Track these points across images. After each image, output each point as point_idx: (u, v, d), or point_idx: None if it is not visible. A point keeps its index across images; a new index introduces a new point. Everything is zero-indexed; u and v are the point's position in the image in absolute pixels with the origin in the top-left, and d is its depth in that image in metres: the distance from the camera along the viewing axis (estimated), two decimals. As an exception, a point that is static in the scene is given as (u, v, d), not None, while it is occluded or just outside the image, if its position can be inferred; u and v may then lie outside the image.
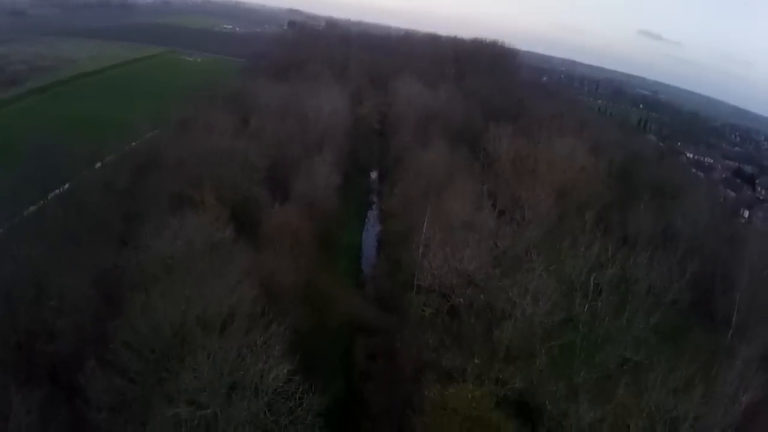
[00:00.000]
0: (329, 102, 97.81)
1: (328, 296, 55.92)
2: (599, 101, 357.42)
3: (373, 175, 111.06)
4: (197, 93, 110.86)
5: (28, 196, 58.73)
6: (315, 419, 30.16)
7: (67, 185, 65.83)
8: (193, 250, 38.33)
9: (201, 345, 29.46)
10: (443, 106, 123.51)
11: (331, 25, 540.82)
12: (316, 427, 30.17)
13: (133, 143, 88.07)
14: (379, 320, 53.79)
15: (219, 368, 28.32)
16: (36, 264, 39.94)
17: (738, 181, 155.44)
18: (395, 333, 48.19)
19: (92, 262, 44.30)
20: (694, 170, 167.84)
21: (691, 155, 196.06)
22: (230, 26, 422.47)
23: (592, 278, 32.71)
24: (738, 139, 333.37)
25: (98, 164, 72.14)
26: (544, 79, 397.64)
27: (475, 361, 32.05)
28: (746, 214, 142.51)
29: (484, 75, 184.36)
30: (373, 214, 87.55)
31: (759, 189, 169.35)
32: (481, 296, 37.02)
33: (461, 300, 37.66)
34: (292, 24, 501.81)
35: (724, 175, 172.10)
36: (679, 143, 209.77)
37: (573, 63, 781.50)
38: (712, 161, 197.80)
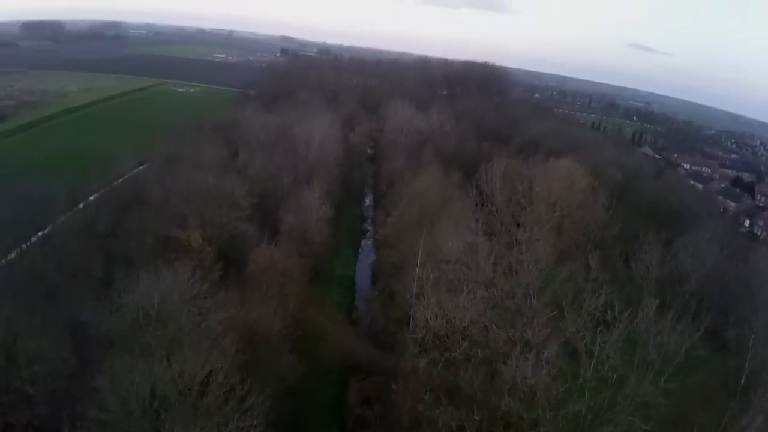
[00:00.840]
0: (320, 130, 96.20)
1: (320, 336, 53.75)
2: (593, 115, 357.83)
3: (368, 200, 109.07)
4: (186, 126, 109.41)
5: (4, 244, 56.38)
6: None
7: (48, 228, 63.55)
8: (170, 305, 36.02)
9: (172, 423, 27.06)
10: (435, 129, 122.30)
11: (324, 51, 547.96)
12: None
13: (119, 180, 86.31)
14: (373, 360, 51.34)
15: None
16: (8, 324, 37.59)
17: (737, 190, 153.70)
18: (391, 375, 45.80)
19: (69, 317, 42.16)
20: (692, 182, 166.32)
21: (688, 166, 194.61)
22: (222, 55, 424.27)
23: (598, 341, 30.28)
24: (734, 145, 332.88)
25: (81, 205, 70.01)
26: (537, 96, 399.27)
27: (475, 417, 29.65)
28: (747, 223, 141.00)
29: (475, 96, 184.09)
30: (367, 243, 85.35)
31: (759, 197, 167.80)
32: (479, 351, 34.69)
33: (457, 354, 35.29)
34: (284, 51, 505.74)
35: (723, 185, 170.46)
36: (675, 155, 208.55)
37: (564, 78, 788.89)
38: (709, 170, 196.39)
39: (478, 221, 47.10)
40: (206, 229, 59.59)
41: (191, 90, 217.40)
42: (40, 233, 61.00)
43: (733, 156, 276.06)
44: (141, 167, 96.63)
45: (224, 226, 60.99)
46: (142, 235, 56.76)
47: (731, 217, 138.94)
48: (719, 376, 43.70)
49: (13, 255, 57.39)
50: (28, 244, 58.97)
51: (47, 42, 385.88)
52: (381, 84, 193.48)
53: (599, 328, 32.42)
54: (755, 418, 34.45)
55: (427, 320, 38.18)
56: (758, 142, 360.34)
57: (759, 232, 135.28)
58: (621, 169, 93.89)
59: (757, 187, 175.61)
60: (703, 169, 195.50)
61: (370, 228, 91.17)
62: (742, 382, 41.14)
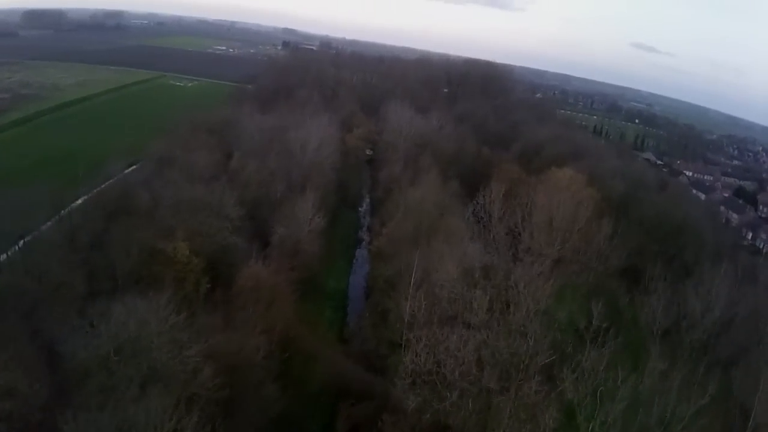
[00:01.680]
0: (317, 133, 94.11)
1: (309, 357, 51.80)
2: (595, 117, 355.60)
3: (364, 205, 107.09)
4: (180, 124, 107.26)
5: (-18, 255, 54.37)
6: None
7: (32, 235, 61.46)
8: (145, 337, 34.04)
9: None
10: (435, 133, 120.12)
11: (325, 44, 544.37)
12: None
13: (108, 182, 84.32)
14: (364, 384, 49.46)
15: None
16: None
17: (740, 201, 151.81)
18: (381, 401, 44.01)
19: (46, 344, 40.37)
20: (694, 191, 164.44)
21: (690, 173, 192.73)
22: (223, 47, 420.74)
23: (598, 409, 28.29)
24: (735, 151, 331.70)
25: (67, 210, 67.90)
26: (538, 95, 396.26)
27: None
28: (750, 236, 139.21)
29: (476, 97, 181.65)
30: (361, 253, 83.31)
31: (761, 207, 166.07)
32: (470, 403, 32.72)
33: (447, 404, 33.32)
34: (286, 44, 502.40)
35: (725, 194, 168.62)
36: (678, 161, 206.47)
37: (567, 77, 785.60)
38: (711, 178, 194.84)
39: (473, 239, 44.94)
40: (194, 239, 57.62)
41: (189, 84, 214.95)
42: (21, 242, 58.79)
43: (735, 162, 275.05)
44: (132, 168, 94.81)
45: (213, 237, 59.07)
46: (127, 248, 54.72)
47: (734, 229, 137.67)
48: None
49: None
50: (9, 254, 56.83)
51: (48, 31, 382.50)
52: (382, 82, 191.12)
53: (600, 389, 30.47)
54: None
55: (417, 363, 36.19)
56: (760, 148, 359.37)
57: (761, 246, 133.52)
58: (624, 180, 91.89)
59: (759, 197, 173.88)
60: (706, 177, 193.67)
61: (365, 236, 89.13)
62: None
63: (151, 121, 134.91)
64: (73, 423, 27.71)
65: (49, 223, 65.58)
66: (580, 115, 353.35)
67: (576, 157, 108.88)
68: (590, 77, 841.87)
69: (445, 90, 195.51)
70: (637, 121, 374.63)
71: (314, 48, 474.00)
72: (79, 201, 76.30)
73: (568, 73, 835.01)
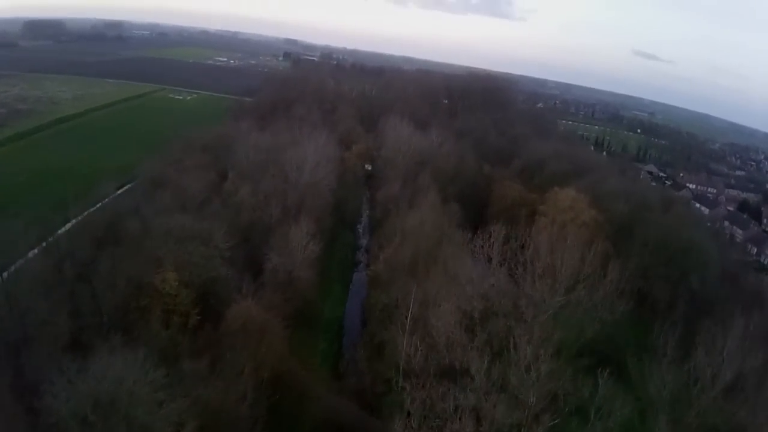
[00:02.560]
0: (314, 153, 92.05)
1: (301, 395, 49.57)
2: (596, 126, 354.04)
3: (362, 224, 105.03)
4: (176, 141, 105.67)
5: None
6: None
7: (15, 266, 59.42)
8: (123, 395, 31.93)
9: None
10: (435, 150, 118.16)
11: (326, 55, 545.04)
12: None
13: (99, 203, 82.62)
14: (358, 425, 47.33)
15: None
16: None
17: (744, 216, 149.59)
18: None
19: (28, 386, 38.43)
20: (698, 205, 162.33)
21: (693, 186, 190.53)
22: (224, 59, 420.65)
23: None
24: (738, 161, 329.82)
25: (54, 237, 65.95)
26: (540, 105, 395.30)
27: None
28: (754, 251, 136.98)
29: (477, 110, 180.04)
30: (359, 276, 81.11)
31: (765, 221, 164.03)
32: None
33: None
34: (287, 55, 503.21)
35: (729, 208, 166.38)
36: (681, 174, 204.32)
37: (568, 86, 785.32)
38: (715, 191, 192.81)
39: (472, 280, 42.80)
40: (183, 270, 55.63)
41: (189, 97, 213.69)
42: (5, 273, 56.72)
43: (738, 173, 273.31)
44: (125, 188, 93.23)
45: (203, 267, 57.03)
46: (113, 281, 52.79)
47: (739, 246, 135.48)
48: None
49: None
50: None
51: (48, 42, 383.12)
52: (381, 95, 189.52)
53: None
54: None
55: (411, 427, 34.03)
56: (762, 157, 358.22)
57: (766, 261, 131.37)
58: (628, 201, 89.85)
59: (763, 209, 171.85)
60: (709, 189, 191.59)
61: (362, 258, 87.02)
62: None
63: (147, 137, 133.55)
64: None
65: (36, 251, 63.77)
66: (582, 125, 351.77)
67: (578, 175, 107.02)
68: (591, 86, 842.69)
69: (445, 101, 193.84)
70: (639, 131, 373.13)
71: (315, 59, 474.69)
72: (69, 225, 74.92)
73: (569, 81, 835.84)
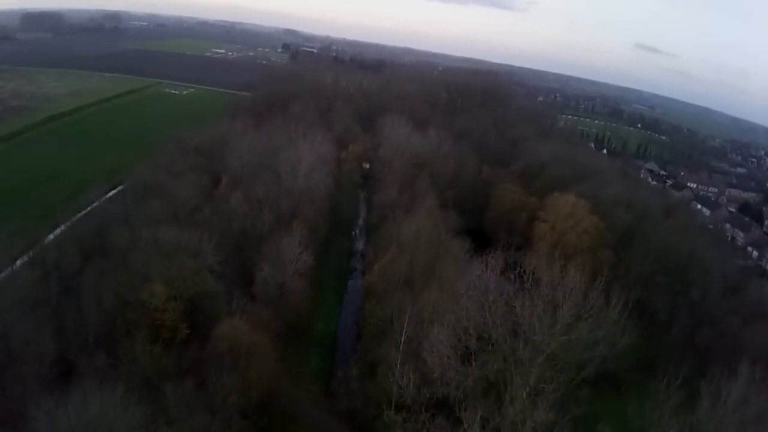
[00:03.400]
0: (308, 157, 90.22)
1: (290, 418, 48.13)
2: (597, 121, 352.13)
3: (358, 228, 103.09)
4: (168, 143, 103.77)
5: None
6: None
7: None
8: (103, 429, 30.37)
9: None
10: (433, 151, 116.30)
11: (326, 47, 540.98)
12: None
13: (88, 209, 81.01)
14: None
15: None
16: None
17: (746, 219, 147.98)
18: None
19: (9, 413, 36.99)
20: (699, 206, 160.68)
21: (694, 185, 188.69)
22: (222, 50, 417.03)
23: None
24: (739, 158, 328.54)
25: (39, 246, 64.34)
26: (540, 99, 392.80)
27: None
28: (755, 254, 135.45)
29: (476, 108, 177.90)
30: (353, 284, 79.31)
31: (767, 223, 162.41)
32: None
33: None
34: (286, 47, 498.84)
35: (731, 209, 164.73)
36: (682, 173, 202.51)
37: (568, 78, 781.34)
38: (716, 191, 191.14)
39: (468, 310, 40.99)
40: (172, 283, 54.02)
41: (185, 92, 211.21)
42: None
43: (739, 170, 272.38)
44: (115, 191, 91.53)
45: (192, 280, 55.39)
46: (100, 297, 51.28)
47: (740, 249, 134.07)
48: None
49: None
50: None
51: (46, 34, 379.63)
52: (380, 92, 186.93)
53: None
54: None
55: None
56: (763, 153, 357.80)
57: (767, 265, 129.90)
58: (629, 209, 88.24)
59: (764, 210, 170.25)
60: (710, 189, 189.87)
61: (358, 265, 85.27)
62: None
63: (141, 135, 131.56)
64: None
65: (20, 262, 62.14)
66: (583, 119, 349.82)
67: (579, 179, 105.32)
68: (592, 78, 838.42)
69: (444, 95, 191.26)
70: (639, 125, 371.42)
71: (315, 51, 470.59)
72: (58, 230, 73.39)
73: (569, 74, 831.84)
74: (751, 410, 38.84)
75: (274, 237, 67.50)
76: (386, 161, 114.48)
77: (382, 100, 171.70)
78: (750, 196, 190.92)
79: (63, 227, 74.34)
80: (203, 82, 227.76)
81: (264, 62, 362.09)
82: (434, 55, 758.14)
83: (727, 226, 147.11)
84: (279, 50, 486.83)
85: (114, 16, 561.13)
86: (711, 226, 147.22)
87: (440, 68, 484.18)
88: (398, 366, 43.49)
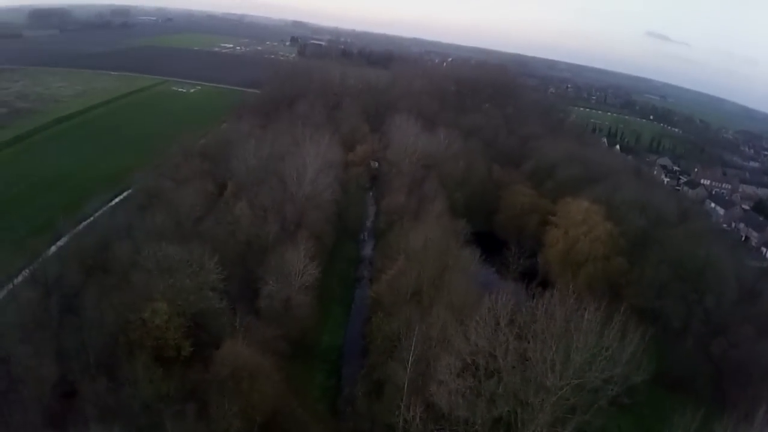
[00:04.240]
0: (315, 158, 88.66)
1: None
2: (609, 113, 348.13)
3: (366, 232, 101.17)
4: (173, 148, 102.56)
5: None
6: None
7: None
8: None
9: None
10: (442, 151, 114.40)
11: (334, 39, 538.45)
12: None
13: (91, 218, 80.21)
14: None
15: None
16: None
17: (761, 219, 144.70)
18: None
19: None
20: (713, 205, 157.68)
21: (708, 182, 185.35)
22: (230, 45, 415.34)
23: None
24: (752, 151, 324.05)
25: (40, 263, 63.37)
26: (551, 90, 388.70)
27: None
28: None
29: (486, 101, 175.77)
30: (360, 294, 77.67)
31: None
32: None
33: None
34: (294, 40, 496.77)
35: (745, 207, 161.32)
36: (696, 169, 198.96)
37: (579, 68, 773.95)
38: (729, 187, 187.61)
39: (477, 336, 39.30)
40: (175, 300, 52.85)
41: (192, 90, 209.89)
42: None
43: (752, 164, 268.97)
44: (119, 198, 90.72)
45: (196, 297, 54.19)
46: (101, 316, 50.18)
47: (754, 249, 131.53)
48: None
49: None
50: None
51: (53, 31, 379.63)
52: (388, 89, 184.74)
53: None
54: None
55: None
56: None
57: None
58: (644, 213, 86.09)
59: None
60: (724, 185, 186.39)
61: (365, 273, 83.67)
62: None
63: (147, 137, 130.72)
64: None
65: (21, 278, 61.23)
66: (595, 111, 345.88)
67: (591, 180, 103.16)
68: (603, 67, 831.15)
69: (453, 89, 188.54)
70: (651, 117, 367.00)
71: (323, 43, 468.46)
72: (61, 242, 72.51)
73: (580, 63, 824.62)
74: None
75: (279, 248, 66.15)
76: (394, 162, 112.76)
77: (389, 97, 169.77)
78: (764, 192, 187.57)
79: (65, 239, 73.48)
80: (211, 79, 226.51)
81: (272, 56, 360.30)
82: (443, 45, 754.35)
83: (741, 225, 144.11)
84: (287, 44, 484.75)
85: (122, 11, 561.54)
86: (725, 226, 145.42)
87: (450, 59, 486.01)
88: (405, 390, 42.01)
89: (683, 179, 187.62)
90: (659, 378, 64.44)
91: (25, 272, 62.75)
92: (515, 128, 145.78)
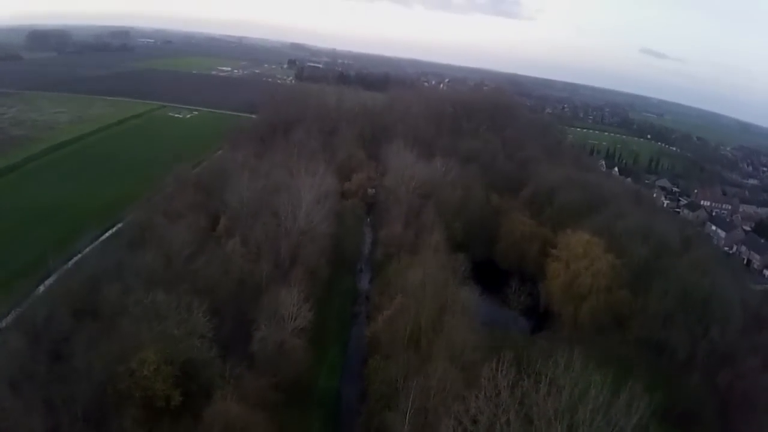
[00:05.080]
0: (311, 190, 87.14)
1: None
2: (606, 134, 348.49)
3: (363, 259, 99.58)
4: (169, 174, 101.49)
5: None
6: None
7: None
8: None
9: None
10: (440, 179, 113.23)
11: (332, 62, 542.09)
12: None
13: (82, 254, 78.67)
14: None
15: None
16: None
17: (761, 240, 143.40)
18: None
19: None
20: (713, 227, 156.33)
21: (707, 203, 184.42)
22: (228, 68, 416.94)
23: None
24: (750, 168, 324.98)
25: (27, 303, 61.69)
26: (548, 111, 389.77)
27: None
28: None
29: (484, 123, 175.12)
30: (357, 332, 75.48)
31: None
32: None
33: None
34: (292, 63, 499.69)
35: (746, 229, 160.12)
36: (695, 190, 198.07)
37: (575, 86, 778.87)
38: (730, 208, 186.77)
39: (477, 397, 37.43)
40: (164, 349, 50.93)
41: (188, 116, 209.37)
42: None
43: (751, 182, 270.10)
44: (110, 233, 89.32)
45: (184, 344, 52.30)
46: (90, 365, 48.32)
47: (756, 272, 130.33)
48: None
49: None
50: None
51: (52, 53, 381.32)
52: (385, 113, 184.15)
53: None
54: None
55: None
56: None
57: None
58: (646, 242, 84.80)
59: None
60: (724, 206, 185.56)
61: (362, 309, 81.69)
62: None
63: (141, 165, 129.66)
64: None
65: (8, 321, 59.52)
66: (592, 132, 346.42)
67: (591, 207, 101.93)
68: (600, 85, 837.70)
69: (449, 113, 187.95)
70: (649, 136, 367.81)
71: (320, 66, 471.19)
72: (50, 281, 70.92)
73: (577, 81, 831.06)
74: None
75: (273, 287, 64.46)
76: (391, 190, 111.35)
77: (386, 121, 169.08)
78: (764, 211, 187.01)
79: (55, 276, 71.88)
80: (208, 104, 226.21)
81: (269, 80, 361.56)
82: (440, 66, 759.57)
83: (743, 248, 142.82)
84: (285, 66, 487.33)
85: (121, 33, 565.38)
86: (727, 249, 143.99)
87: (446, 80, 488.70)
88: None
89: (683, 201, 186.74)
90: (666, 414, 62.82)
91: (14, 312, 61.60)
92: (513, 152, 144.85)
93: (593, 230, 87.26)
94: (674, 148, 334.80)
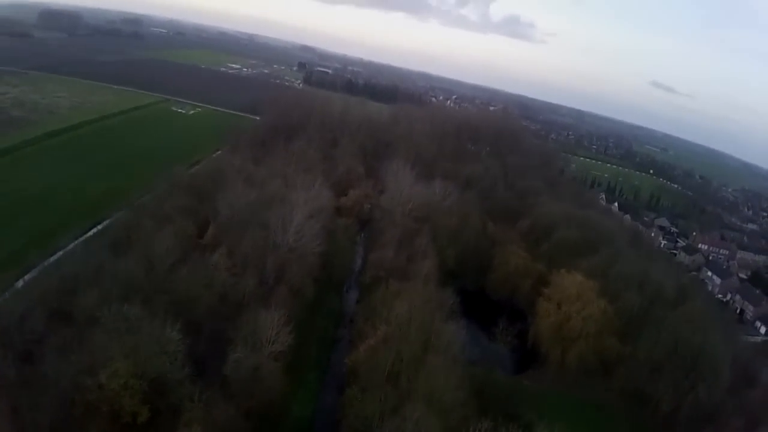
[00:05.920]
0: (304, 205, 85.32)
1: None
2: (609, 165, 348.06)
3: (352, 278, 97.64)
4: (162, 172, 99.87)
5: None
6: None
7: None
8: None
9: None
10: (437, 203, 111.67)
11: (342, 68, 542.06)
12: None
13: (64, 250, 76.60)
14: None
15: None
16: None
17: (756, 291, 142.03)
18: None
19: None
20: (709, 273, 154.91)
21: (705, 247, 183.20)
22: (237, 66, 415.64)
23: None
24: (750, 212, 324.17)
25: (2, 299, 59.68)
26: (552, 137, 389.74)
27: None
28: (763, 330, 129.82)
29: (486, 153, 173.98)
30: (337, 358, 73.28)
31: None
32: None
33: None
34: (301, 66, 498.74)
35: (742, 276, 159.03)
36: (694, 233, 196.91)
37: (581, 113, 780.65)
38: (727, 253, 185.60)
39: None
40: (136, 364, 49.00)
41: (191, 111, 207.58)
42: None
43: (750, 226, 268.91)
44: (94, 230, 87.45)
45: (156, 360, 50.32)
46: (58, 376, 46.58)
47: (748, 323, 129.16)
48: None
49: None
50: None
51: (62, 34, 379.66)
52: (389, 127, 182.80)
53: None
54: None
55: None
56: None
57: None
58: (641, 290, 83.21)
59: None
60: (722, 251, 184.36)
61: (345, 333, 79.63)
62: None
63: (136, 159, 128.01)
64: None
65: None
66: (595, 162, 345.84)
67: (588, 246, 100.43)
68: (606, 114, 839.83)
69: (453, 134, 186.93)
70: (651, 171, 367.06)
71: (330, 71, 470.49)
72: (28, 276, 68.81)
73: (583, 108, 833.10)
74: None
75: (255, 306, 62.50)
76: (387, 210, 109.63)
77: (389, 138, 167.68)
78: (761, 259, 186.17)
79: (35, 271, 69.83)
80: (212, 101, 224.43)
81: (277, 81, 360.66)
82: (449, 81, 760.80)
83: (737, 297, 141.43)
84: (294, 68, 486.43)
85: (133, 21, 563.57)
86: (721, 296, 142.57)
87: (454, 96, 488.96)
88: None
89: (681, 242, 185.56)
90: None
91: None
92: (514, 180, 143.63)
93: (588, 271, 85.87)
94: (676, 186, 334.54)
